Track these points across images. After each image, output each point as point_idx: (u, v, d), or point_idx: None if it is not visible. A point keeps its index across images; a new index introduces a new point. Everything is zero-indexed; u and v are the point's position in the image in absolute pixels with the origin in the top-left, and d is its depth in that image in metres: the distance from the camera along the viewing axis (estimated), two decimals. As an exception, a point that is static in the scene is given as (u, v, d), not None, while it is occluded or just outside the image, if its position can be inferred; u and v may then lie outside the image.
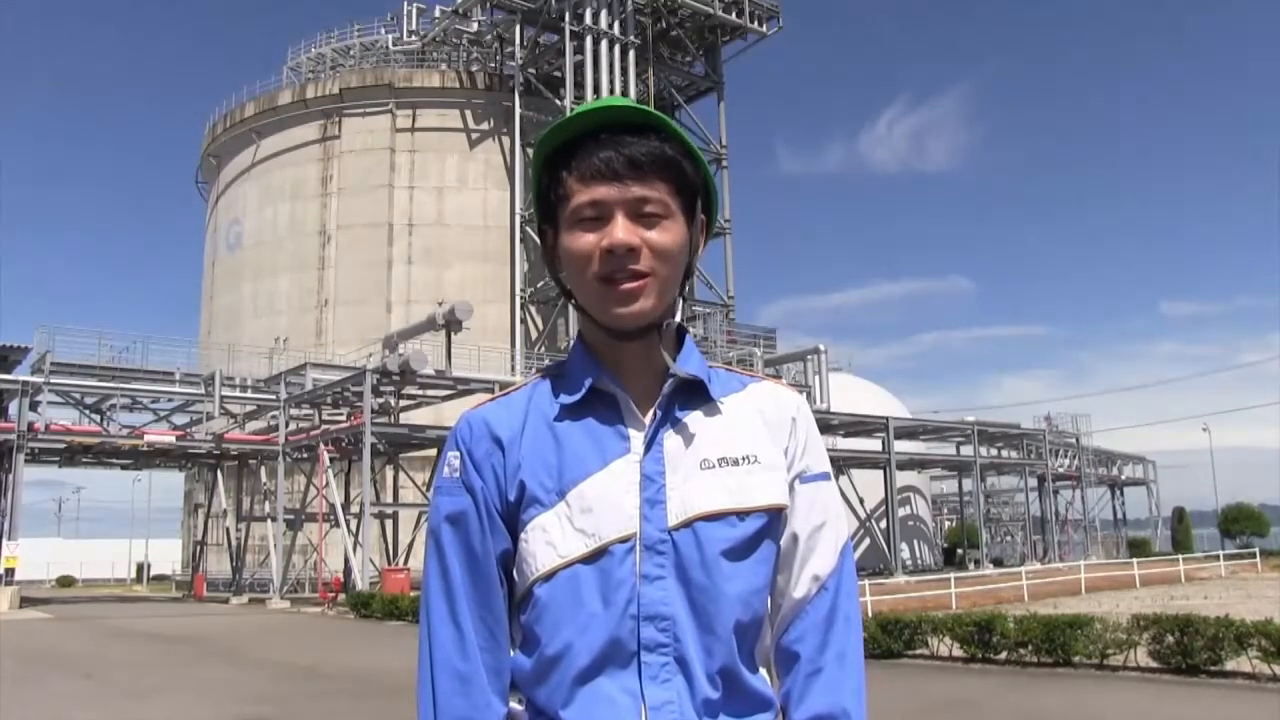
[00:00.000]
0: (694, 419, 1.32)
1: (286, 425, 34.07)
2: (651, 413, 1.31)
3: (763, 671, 1.31)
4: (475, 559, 1.29)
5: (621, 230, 1.26)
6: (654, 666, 1.21)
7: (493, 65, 49.12)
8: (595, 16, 43.34)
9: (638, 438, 1.29)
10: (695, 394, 1.33)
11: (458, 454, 1.33)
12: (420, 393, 33.42)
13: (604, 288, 1.28)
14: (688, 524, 1.25)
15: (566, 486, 1.27)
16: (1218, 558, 36.46)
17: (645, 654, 1.21)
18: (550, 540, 1.26)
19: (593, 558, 1.24)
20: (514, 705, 1.28)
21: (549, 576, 1.25)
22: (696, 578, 1.23)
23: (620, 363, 1.33)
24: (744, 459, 1.30)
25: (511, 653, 1.30)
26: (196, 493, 47.28)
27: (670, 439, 1.30)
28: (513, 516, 1.30)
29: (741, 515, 1.27)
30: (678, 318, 1.37)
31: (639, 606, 1.22)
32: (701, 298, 47.47)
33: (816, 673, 1.29)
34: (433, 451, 33.54)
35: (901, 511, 41.23)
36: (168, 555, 60.87)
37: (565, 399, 1.32)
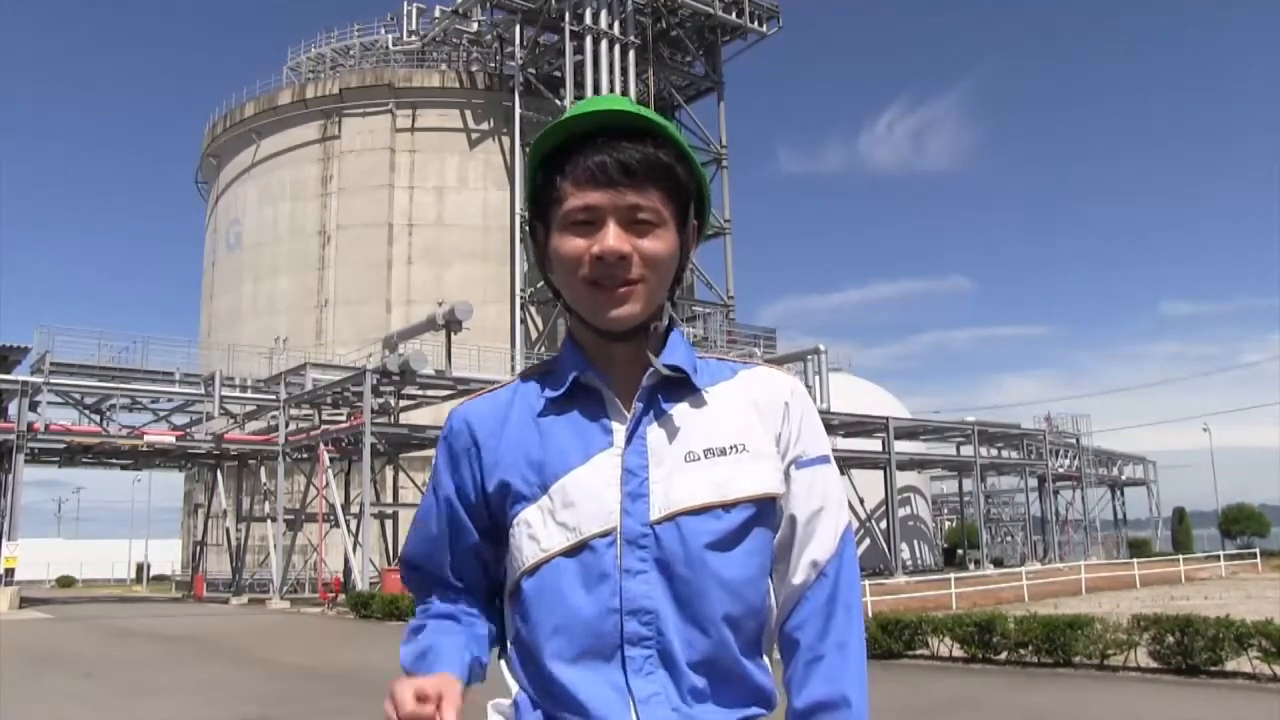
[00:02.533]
0: (679, 411, 1.32)
1: (286, 425, 34.07)
2: (633, 405, 1.31)
3: (766, 660, 1.31)
4: (446, 544, 1.39)
5: (613, 238, 1.26)
6: (638, 660, 1.21)
7: (493, 65, 49.11)
8: (595, 16, 43.33)
9: (620, 431, 1.30)
10: (680, 386, 1.33)
11: (444, 445, 1.40)
12: (420, 393, 33.40)
13: (592, 290, 1.28)
14: (670, 518, 1.25)
15: (549, 480, 1.28)
16: (1218, 558, 36.43)
17: (629, 648, 1.21)
18: (533, 534, 1.27)
19: (574, 551, 1.24)
20: (505, 701, 1.30)
21: (533, 570, 1.26)
22: (680, 571, 1.23)
23: (608, 361, 1.34)
24: (731, 448, 1.30)
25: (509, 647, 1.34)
26: (196, 493, 47.26)
27: (653, 432, 1.30)
28: (497, 510, 1.32)
29: (727, 507, 1.26)
30: (665, 320, 1.36)
31: (621, 600, 1.22)
32: (701, 298, 47.45)
33: (817, 660, 1.28)
34: (432, 452, 33.43)
35: (902, 512, 41.22)
36: (168, 555, 60.87)
37: (550, 393, 1.33)
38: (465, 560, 1.37)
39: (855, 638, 1.31)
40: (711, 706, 1.22)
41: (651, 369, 1.31)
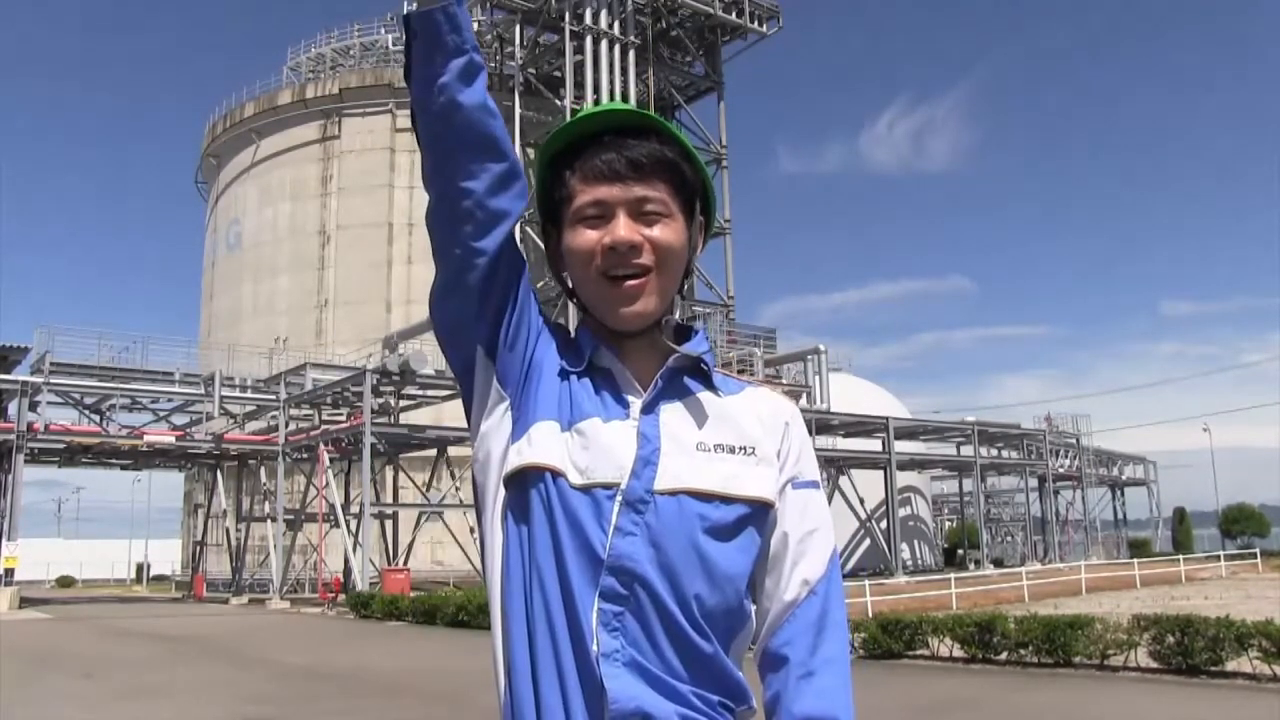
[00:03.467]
0: (694, 403, 1.34)
1: (286, 425, 34.07)
2: (653, 382, 1.33)
3: (735, 660, 1.30)
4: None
5: (624, 228, 1.30)
6: (607, 614, 1.21)
7: (493, 65, 49.06)
8: (595, 16, 43.32)
9: (636, 404, 1.32)
10: (698, 380, 1.37)
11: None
12: (420, 393, 33.41)
13: (607, 284, 1.31)
14: (673, 493, 1.26)
15: (575, 419, 1.29)
16: (1218, 558, 36.43)
17: (602, 601, 1.22)
18: (552, 448, 1.27)
19: (580, 490, 1.26)
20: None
21: (548, 472, 1.26)
22: (668, 545, 1.24)
23: (622, 350, 1.37)
24: (741, 448, 1.32)
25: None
26: (196, 493, 47.27)
27: (668, 412, 1.32)
28: (520, 359, 1.32)
29: (728, 500, 1.28)
30: (676, 315, 1.40)
31: (608, 555, 1.22)
32: (701, 298, 47.38)
33: (809, 675, 1.29)
34: (433, 452, 33.58)
35: (902, 512, 41.20)
36: (168, 555, 60.88)
37: (568, 365, 1.35)
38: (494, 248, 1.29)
39: (843, 656, 1.33)
40: (671, 680, 1.22)
41: (677, 354, 1.34)
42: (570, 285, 1.38)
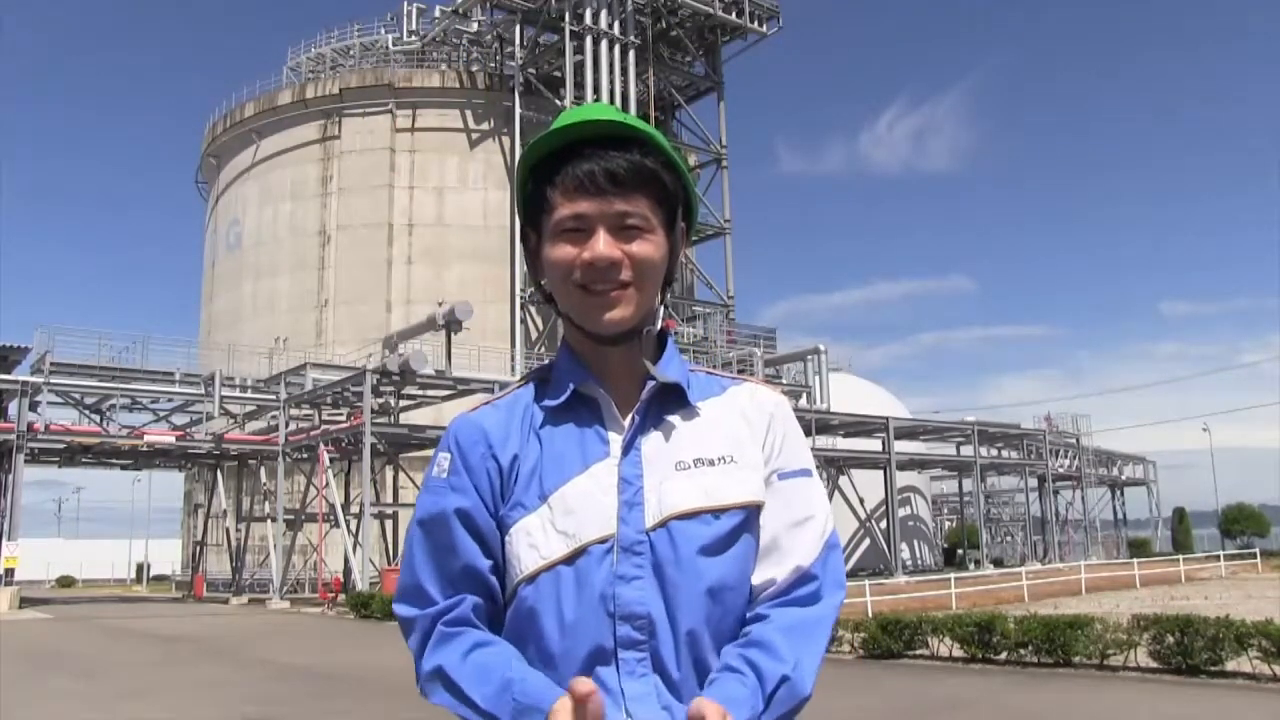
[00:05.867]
0: (672, 423, 1.35)
1: (286, 425, 34.07)
2: (630, 417, 1.34)
3: None
4: (446, 562, 1.32)
5: (603, 245, 1.30)
6: (630, 663, 1.23)
7: (493, 65, 49.10)
8: (595, 16, 43.31)
9: (617, 441, 1.33)
10: (674, 398, 1.37)
11: (449, 456, 1.37)
12: (420, 393, 33.41)
13: (583, 294, 1.32)
14: (663, 523, 1.27)
15: (549, 490, 1.30)
16: (1218, 558, 36.46)
17: (622, 651, 1.23)
18: (534, 543, 1.29)
19: (572, 558, 1.27)
20: None
21: (532, 578, 1.28)
22: (673, 575, 1.25)
23: (603, 367, 1.37)
24: (720, 459, 1.33)
25: None
26: (196, 493, 47.26)
27: (648, 443, 1.33)
28: (500, 520, 1.33)
29: (716, 513, 1.29)
30: (658, 324, 1.40)
31: (616, 606, 1.24)
32: (701, 298, 47.46)
33: (783, 628, 1.26)
34: (432, 452, 33.46)
35: (901, 512, 41.19)
36: (168, 555, 60.86)
37: (549, 402, 1.36)
38: (481, 578, 1.32)
39: (821, 630, 1.28)
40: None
41: (652, 383, 1.35)
42: (549, 291, 1.38)
